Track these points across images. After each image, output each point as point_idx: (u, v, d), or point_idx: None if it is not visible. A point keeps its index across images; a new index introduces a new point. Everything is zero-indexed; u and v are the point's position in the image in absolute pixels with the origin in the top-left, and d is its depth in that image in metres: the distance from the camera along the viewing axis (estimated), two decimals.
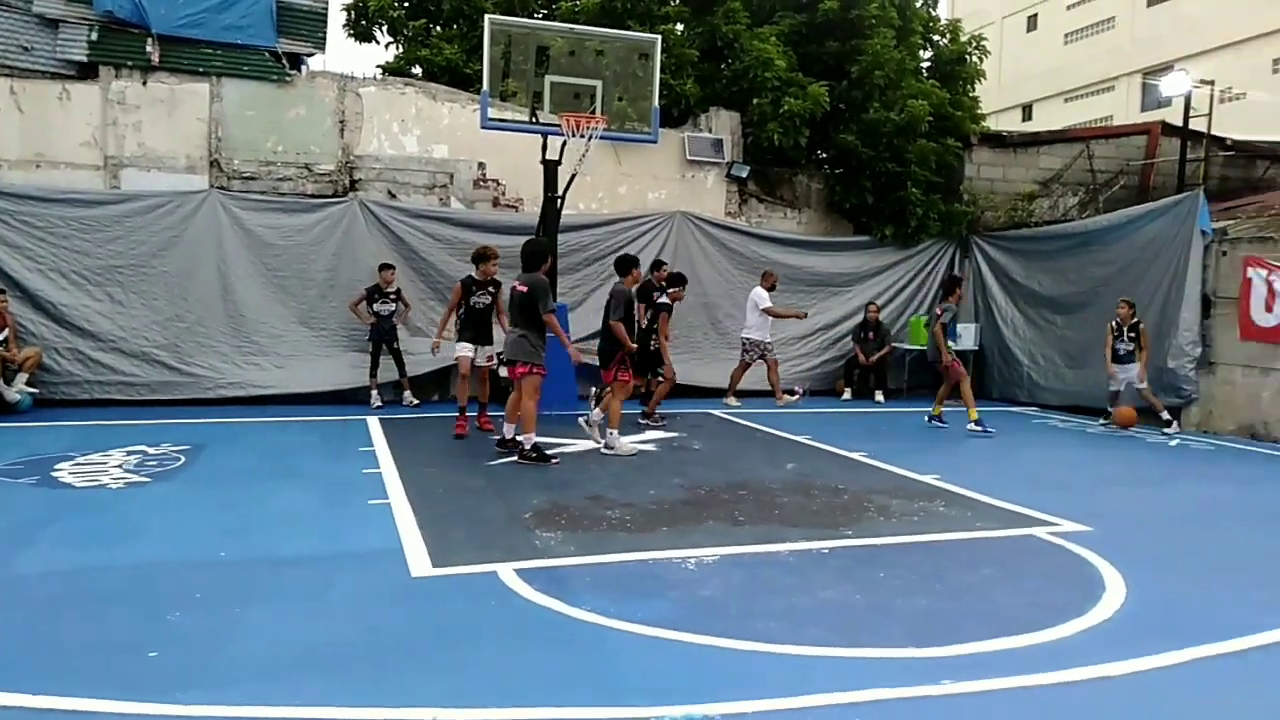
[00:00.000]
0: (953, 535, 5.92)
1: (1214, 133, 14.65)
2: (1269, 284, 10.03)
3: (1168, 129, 14.93)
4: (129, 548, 5.22)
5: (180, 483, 6.83)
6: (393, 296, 10.83)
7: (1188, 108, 14.06)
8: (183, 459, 7.55)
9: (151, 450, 7.80)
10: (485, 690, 3.48)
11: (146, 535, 5.48)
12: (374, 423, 9.57)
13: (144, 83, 10.61)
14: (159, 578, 4.72)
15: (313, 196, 11.23)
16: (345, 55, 39.85)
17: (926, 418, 10.54)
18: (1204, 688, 3.70)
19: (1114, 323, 10.70)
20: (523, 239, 10.87)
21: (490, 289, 9.20)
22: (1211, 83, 14.76)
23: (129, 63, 10.51)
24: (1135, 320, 10.59)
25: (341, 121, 11.38)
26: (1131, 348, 10.57)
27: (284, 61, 11.09)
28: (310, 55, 11.49)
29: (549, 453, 7.91)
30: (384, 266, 10.86)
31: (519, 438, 7.91)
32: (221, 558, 5.08)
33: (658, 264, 10.55)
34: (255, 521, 5.84)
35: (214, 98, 10.84)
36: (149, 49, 10.48)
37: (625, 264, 9.04)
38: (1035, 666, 3.80)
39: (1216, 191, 14.01)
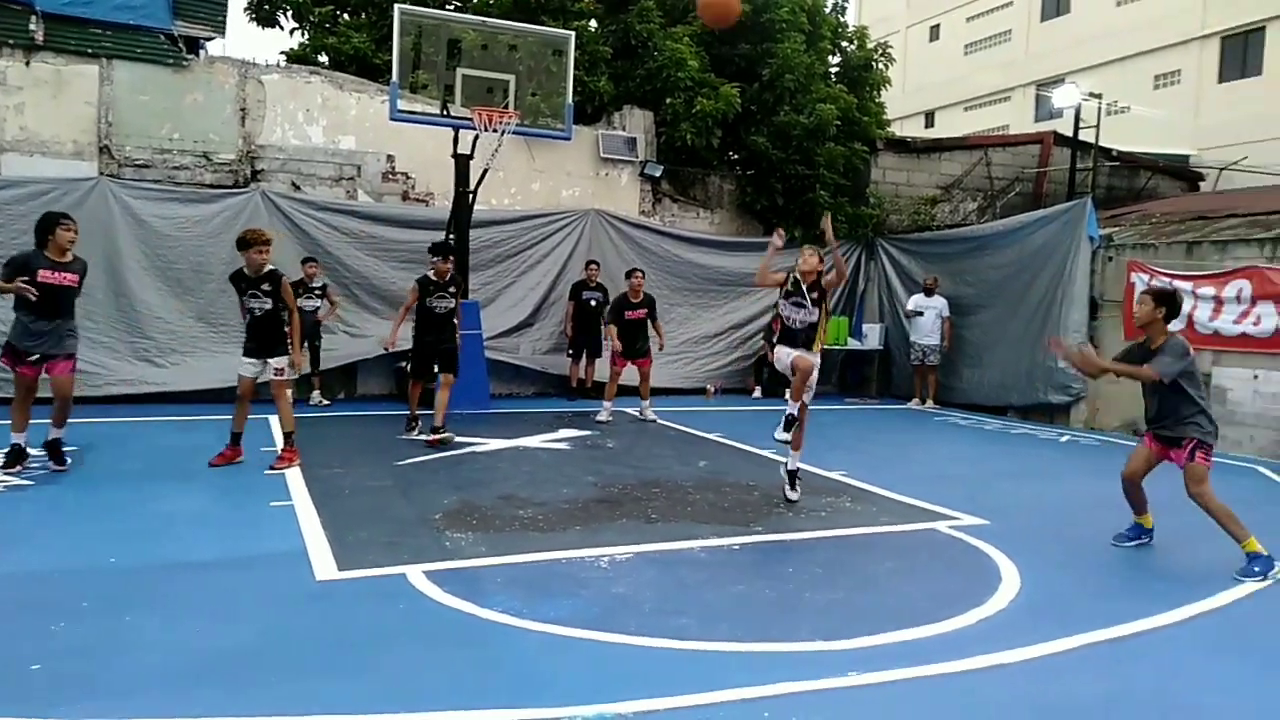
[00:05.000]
0: (858, 530, 6.07)
1: (1101, 144, 15.44)
2: None
3: (1059, 139, 15.65)
4: (8, 556, 4.90)
5: (65, 486, 6.48)
6: (318, 292, 10.49)
7: (1077, 119, 14.76)
8: (68, 460, 7.15)
9: (33, 451, 7.35)
10: (392, 695, 3.40)
11: (28, 542, 5.15)
12: (276, 421, 9.23)
13: (27, 63, 10.01)
14: (42, 587, 4.44)
15: (211, 187, 10.80)
16: (247, 40, 38.47)
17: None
18: (1093, 673, 3.87)
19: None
20: (434, 234, 10.80)
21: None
22: (1099, 96, 15.55)
23: (10, 41, 9.91)
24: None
25: (243, 109, 10.97)
26: None
27: (180, 45, 10.61)
28: (209, 39, 11.02)
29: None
30: (306, 260, 10.54)
31: None
32: (111, 564, 4.82)
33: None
34: (148, 525, 5.56)
35: (104, 80, 10.31)
36: (32, 27, 9.90)
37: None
38: (937, 656, 3.92)
39: (1103, 200, 14.75)
